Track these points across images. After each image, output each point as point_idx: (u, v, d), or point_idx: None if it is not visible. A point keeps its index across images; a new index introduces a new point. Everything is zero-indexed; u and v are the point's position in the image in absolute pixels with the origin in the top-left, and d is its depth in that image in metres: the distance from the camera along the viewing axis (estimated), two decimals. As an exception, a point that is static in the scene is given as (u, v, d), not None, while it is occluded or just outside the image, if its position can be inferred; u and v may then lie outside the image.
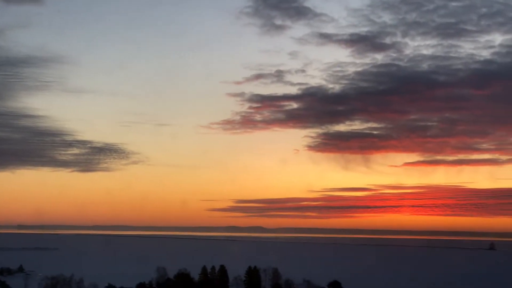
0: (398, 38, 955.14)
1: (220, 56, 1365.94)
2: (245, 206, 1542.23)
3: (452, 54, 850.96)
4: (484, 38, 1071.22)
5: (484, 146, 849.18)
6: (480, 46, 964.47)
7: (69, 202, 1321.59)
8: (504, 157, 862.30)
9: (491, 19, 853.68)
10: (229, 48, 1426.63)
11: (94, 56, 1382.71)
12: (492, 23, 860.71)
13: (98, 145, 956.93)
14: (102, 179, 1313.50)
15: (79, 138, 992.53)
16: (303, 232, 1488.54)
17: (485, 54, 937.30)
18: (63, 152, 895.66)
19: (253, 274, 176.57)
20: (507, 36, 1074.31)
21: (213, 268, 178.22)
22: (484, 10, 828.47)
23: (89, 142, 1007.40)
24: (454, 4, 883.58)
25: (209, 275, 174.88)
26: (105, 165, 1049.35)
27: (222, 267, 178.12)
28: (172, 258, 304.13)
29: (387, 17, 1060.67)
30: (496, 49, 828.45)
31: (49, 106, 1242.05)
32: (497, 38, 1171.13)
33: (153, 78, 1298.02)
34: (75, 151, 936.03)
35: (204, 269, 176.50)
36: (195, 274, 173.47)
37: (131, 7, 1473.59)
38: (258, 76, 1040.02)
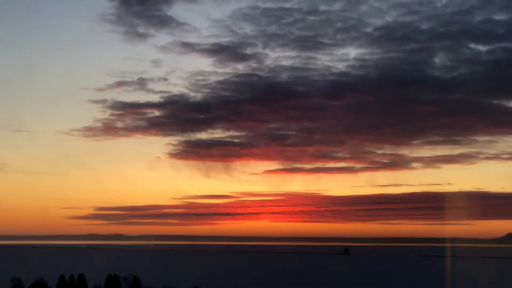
0: (259, 49, 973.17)
1: (82, 62, 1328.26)
2: (106, 214, 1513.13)
3: (310, 66, 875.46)
4: (339, 52, 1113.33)
5: (340, 154, 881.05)
6: (336, 59, 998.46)
7: None
8: (358, 165, 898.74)
9: (345, 34, 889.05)
10: (91, 55, 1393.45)
11: None
12: (346, 37, 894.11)
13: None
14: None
15: None
16: (164, 239, 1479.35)
17: (340, 66, 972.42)
18: None
19: (113, 282, 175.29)
20: (360, 50, 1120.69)
21: (71, 277, 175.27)
22: (339, 24, 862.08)
23: None
24: (311, 18, 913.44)
25: (67, 284, 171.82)
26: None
27: (81, 276, 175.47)
28: (29, 268, 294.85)
29: (248, 28, 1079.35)
30: (351, 62, 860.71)
31: None
32: (351, 52, 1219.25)
33: (9, 83, 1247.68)
34: None
35: (62, 278, 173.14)
36: (53, 284, 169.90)
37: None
38: (121, 84, 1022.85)
